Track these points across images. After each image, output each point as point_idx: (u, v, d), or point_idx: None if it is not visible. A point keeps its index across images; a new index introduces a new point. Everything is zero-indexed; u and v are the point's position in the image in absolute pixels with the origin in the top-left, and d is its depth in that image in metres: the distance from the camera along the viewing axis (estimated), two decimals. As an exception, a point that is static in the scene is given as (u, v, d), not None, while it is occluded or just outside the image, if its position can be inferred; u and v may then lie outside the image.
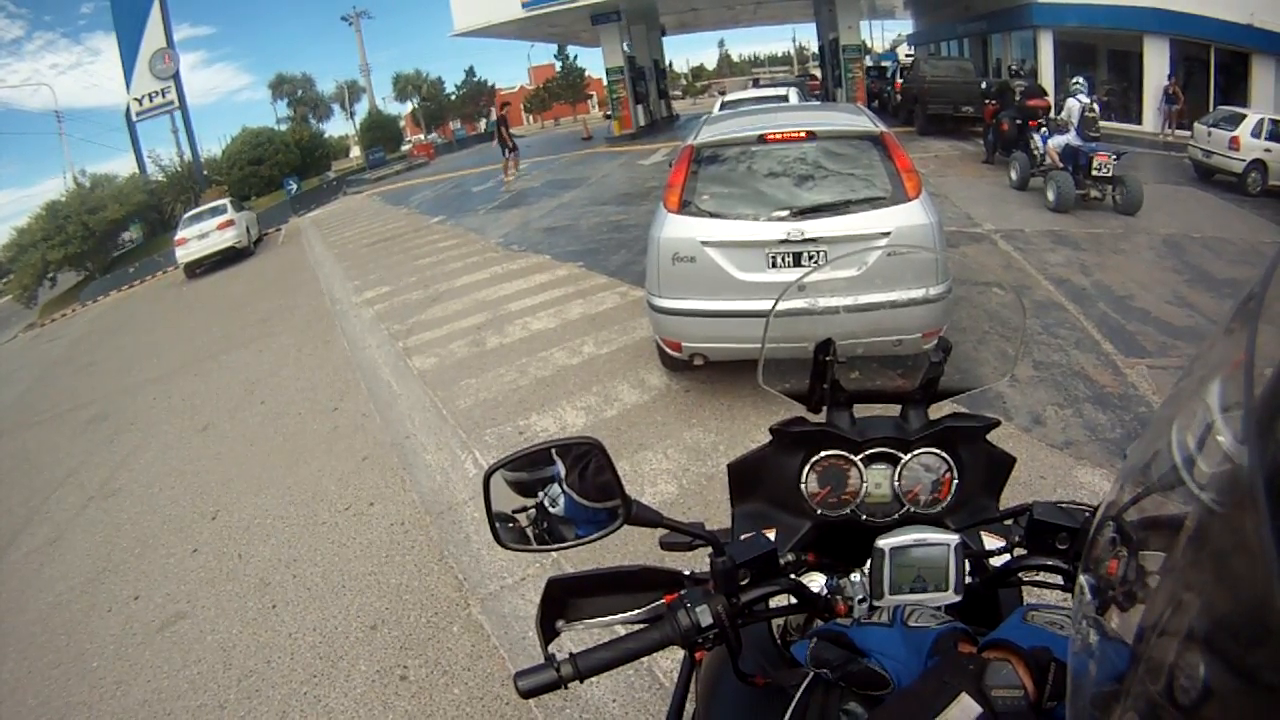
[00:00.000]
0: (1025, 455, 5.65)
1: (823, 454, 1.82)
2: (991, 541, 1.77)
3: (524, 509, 1.55)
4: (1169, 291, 9.68)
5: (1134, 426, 6.18)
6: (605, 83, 38.01)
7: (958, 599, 1.52)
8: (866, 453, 1.82)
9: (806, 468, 1.83)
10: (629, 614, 1.48)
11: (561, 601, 1.48)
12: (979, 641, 1.24)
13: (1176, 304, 9.23)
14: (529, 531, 1.54)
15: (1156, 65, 28.31)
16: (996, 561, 1.64)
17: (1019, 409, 6.29)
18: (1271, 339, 0.51)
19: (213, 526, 6.28)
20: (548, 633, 1.46)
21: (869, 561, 1.54)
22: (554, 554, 4.33)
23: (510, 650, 4.27)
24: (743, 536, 1.72)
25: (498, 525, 1.52)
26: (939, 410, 1.92)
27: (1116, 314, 8.62)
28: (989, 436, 1.88)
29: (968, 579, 1.56)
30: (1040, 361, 7.24)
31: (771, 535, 1.80)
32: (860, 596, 1.56)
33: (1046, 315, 8.52)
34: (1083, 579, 0.78)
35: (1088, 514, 1.53)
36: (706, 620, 1.37)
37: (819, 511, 1.83)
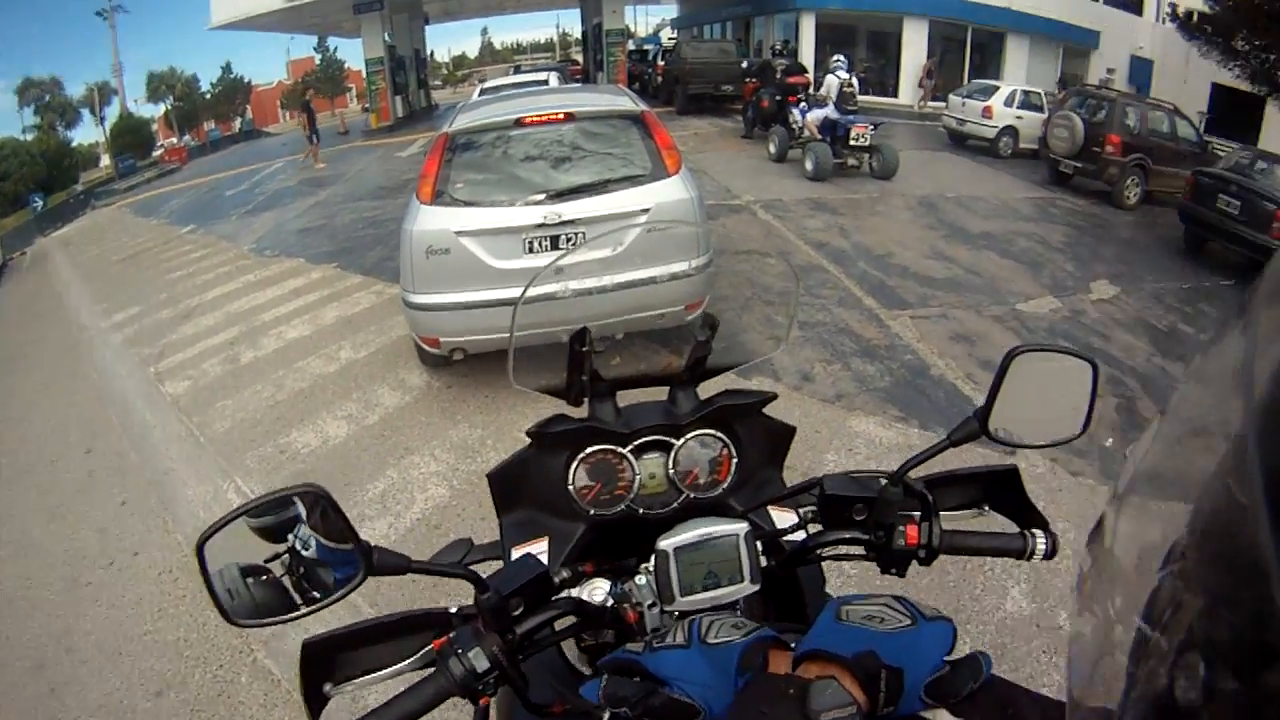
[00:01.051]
0: (798, 412, 5.78)
1: (588, 450, 1.72)
2: (783, 517, 1.71)
3: (276, 556, 1.39)
4: (926, 247, 10.14)
5: (901, 374, 6.41)
6: (364, 74, 37.23)
7: (755, 588, 1.46)
8: (636, 443, 1.73)
9: (573, 467, 1.71)
10: (400, 665, 1.32)
11: (324, 662, 1.30)
12: (791, 646, 1.12)
13: (934, 258, 9.68)
14: (286, 582, 1.35)
15: (915, 44, 30.35)
16: (794, 539, 1.57)
17: (787, 369, 6.40)
18: (1269, 341, 0.51)
19: None
20: (315, 702, 1.28)
21: (654, 564, 1.46)
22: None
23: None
24: (514, 549, 1.70)
25: (248, 581, 1.31)
26: (712, 389, 1.84)
27: (877, 271, 8.96)
28: (766, 410, 1.82)
29: (764, 563, 1.50)
30: (805, 322, 7.41)
31: (544, 545, 1.71)
32: (650, 601, 1.47)
33: (809, 277, 8.75)
34: (1083, 575, 0.75)
35: (882, 481, 1.48)
36: (483, 664, 1.23)
37: (592, 512, 1.72)
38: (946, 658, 1.07)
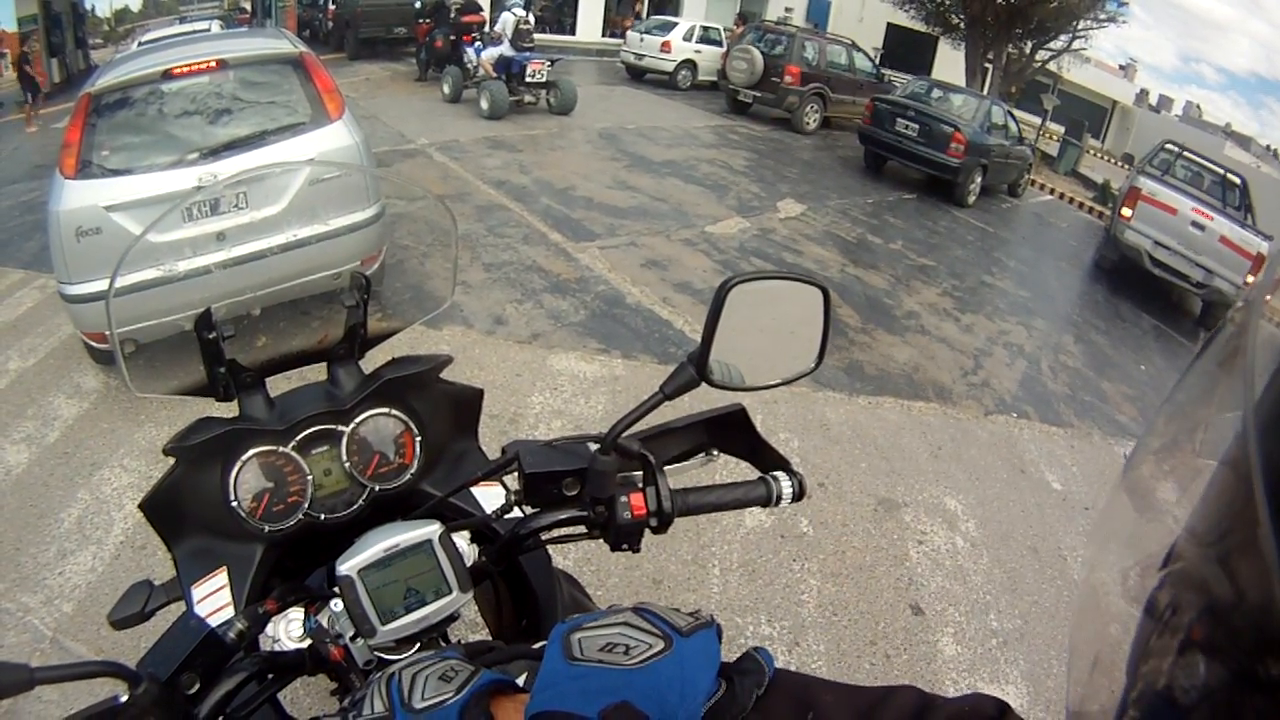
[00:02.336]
0: (495, 357, 5.73)
1: (245, 456, 1.47)
2: (489, 494, 1.59)
3: None
4: (610, 178, 10.27)
5: (597, 306, 6.43)
6: (18, 35, 34.16)
7: (467, 597, 1.27)
8: (298, 438, 1.51)
9: (231, 479, 1.45)
10: None
11: None
12: (521, 686, 0.93)
13: (618, 188, 9.81)
14: None
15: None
16: (509, 519, 1.40)
17: (477, 314, 6.35)
18: (1269, 340, 0.49)
19: None
20: None
21: (340, 592, 1.23)
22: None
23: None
24: (194, 591, 1.42)
25: None
26: (383, 358, 1.66)
27: (560, 205, 9.00)
28: (445, 374, 1.66)
29: (473, 557, 1.36)
30: (490, 263, 7.35)
31: (223, 577, 1.45)
32: (351, 633, 1.25)
33: (490, 217, 8.69)
34: (1083, 574, 0.67)
35: (590, 447, 1.31)
36: None
37: (266, 529, 1.47)
38: (722, 664, 0.88)
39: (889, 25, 26.63)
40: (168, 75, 5.60)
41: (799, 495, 1.33)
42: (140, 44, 15.60)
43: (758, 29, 18.71)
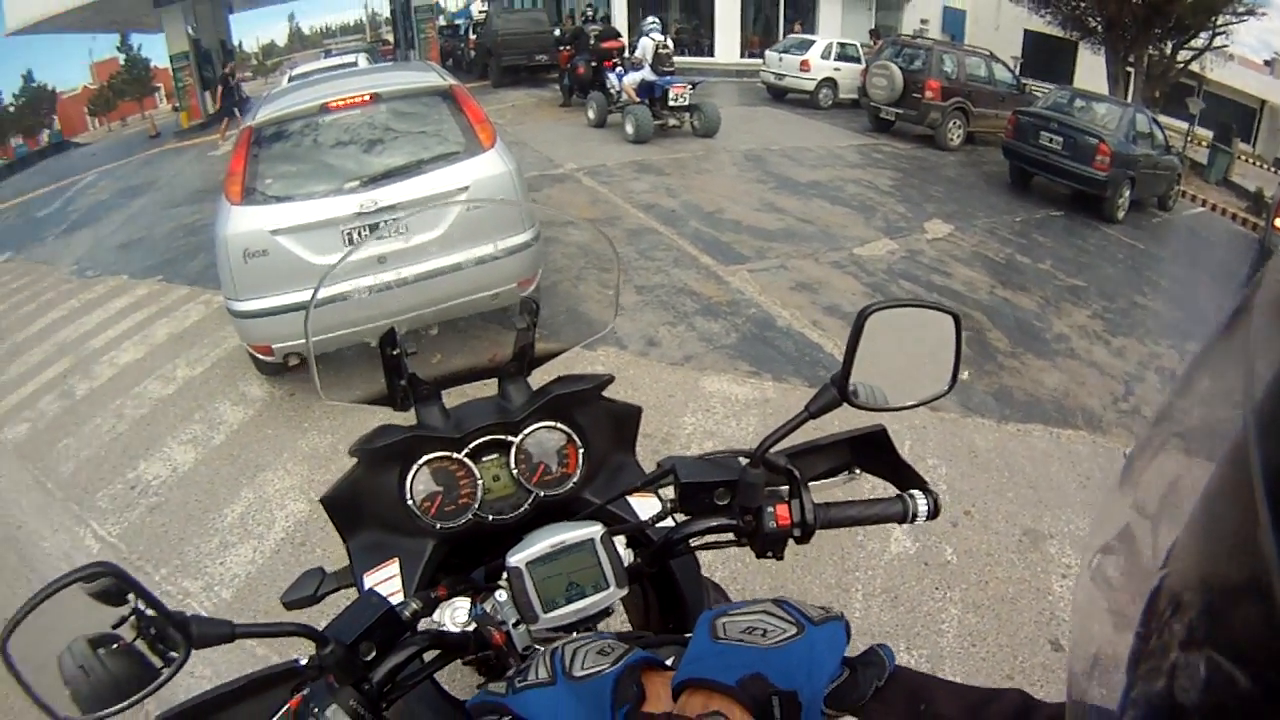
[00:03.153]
0: (648, 379, 5.77)
1: (422, 460, 1.60)
2: (645, 504, 1.67)
3: (123, 620, 1.17)
4: (756, 200, 10.25)
5: (747, 329, 6.43)
6: (171, 70, 35.91)
7: (623, 592, 1.39)
8: (471, 445, 1.63)
9: (409, 481, 1.60)
10: None
11: None
12: (668, 665, 1.05)
13: (765, 210, 9.79)
14: (140, 646, 1.14)
15: (727, 2, 30.59)
16: (661, 526, 1.50)
17: (631, 336, 6.39)
18: (1269, 339, 0.48)
19: None
20: None
21: (509, 581, 1.37)
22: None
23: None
24: (366, 575, 1.59)
25: (99, 653, 1.11)
26: (548, 375, 1.77)
27: (709, 228, 9.01)
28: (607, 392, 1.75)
29: (630, 559, 1.45)
30: (642, 286, 7.40)
31: (395, 568, 1.60)
32: (514, 620, 1.38)
33: (641, 240, 8.76)
34: (1082, 576, 0.72)
35: (742, 460, 1.42)
36: None
37: (438, 525, 1.61)
38: (846, 656, 1.00)
39: (1026, 32, 25.35)
40: (324, 109, 5.86)
41: (934, 513, 1.39)
42: (290, 78, 16.28)
43: (895, 44, 18.35)
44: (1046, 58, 24.80)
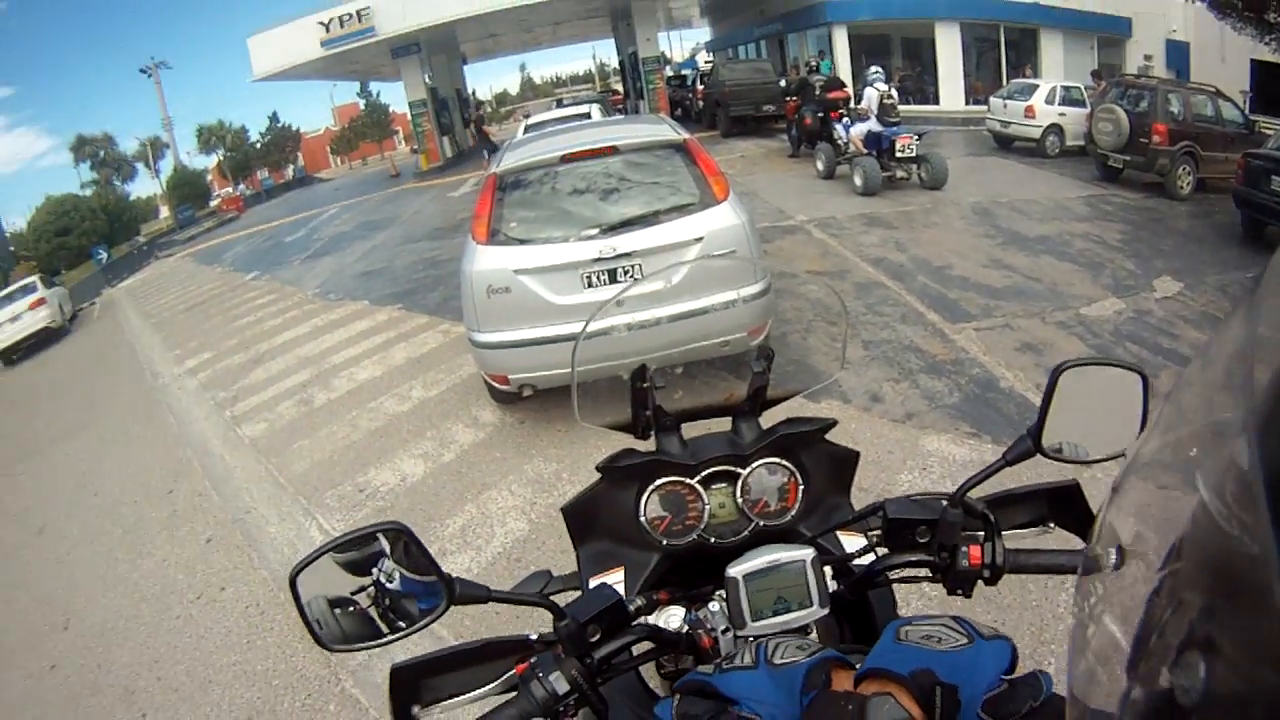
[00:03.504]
0: (869, 434, 5.74)
1: (658, 483, 1.74)
2: (851, 541, 1.73)
3: (362, 589, 1.39)
4: (984, 256, 10.04)
5: (970, 389, 6.32)
6: (409, 116, 37.70)
7: (824, 612, 1.48)
8: (703, 474, 1.75)
9: (644, 500, 1.74)
10: (484, 689, 1.40)
11: (412, 686, 1.38)
12: (854, 666, 1.14)
13: (993, 267, 9.57)
14: (372, 612, 1.38)
15: (949, 48, 30.15)
16: (861, 562, 1.60)
17: (855, 390, 6.36)
18: (1271, 338, 0.50)
19: (67, 638, 5.80)
20: None
21: (725, 591, 1.49)
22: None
23: (390, 720, 4.05)
24: (592, 580, 1.73)
25: (335, 613, 1.35)
26: (775, 417, 1.86)
27: (937, 284, 8.88)
28: (829, 435, 1.82)
29: (832, 586, 1.53)
30: (869, 341, 7.37)
31: (620, 575, 1.74)
32: (724, 627, 1.50)
33: (869, 295, 8.71)
34: (1083, 577, 0.77)
35: (943, 502, 1.49)
36: (563, 687, 1.28)
37: (665, 542, 1.74)
38: (1006, 677, 1.08)
39: (1254, 63, 23.48)
40: (565, 159, 6.13)
41: (1119, 566, 1.39)
42: (526, 127, 16.88)
43: (1119, 84, 17.28)
44: (1278, 89, 22.61)
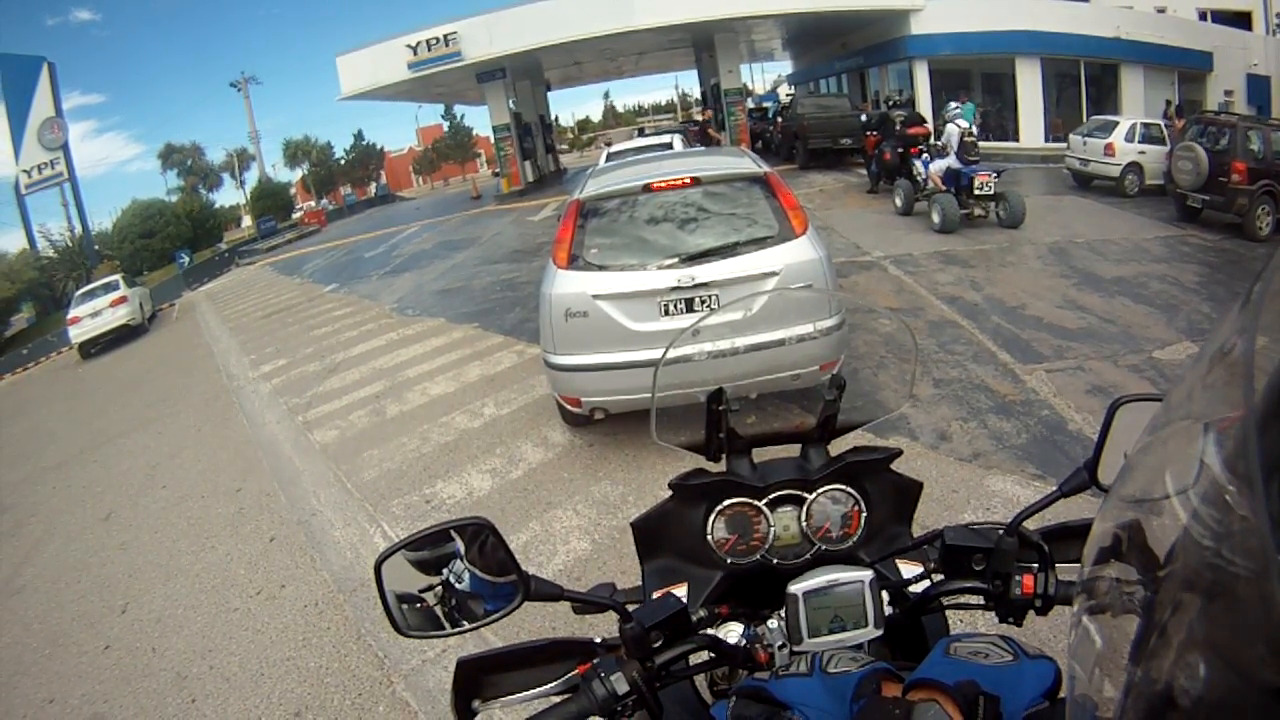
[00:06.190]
0: (935, 471, 5.72)
1: (726, 503, 1.78)
2: (908, 569, 1.78)
3: (430, 587, 1.48)
4: (1059, 297, 9.95)
5: (1039, 431, 6.31)
6: (492, 140, 38.09)
7: (879, 633, 1.52)
8: (770, 497, 1.79)
9: (711, 518, 1.78)
10: (544, 688, 1.46)
11: (475, 681, 1.45)
12: (903, 679, 1.20)
13: (1068, 308, 9.49)
14: (437, 610, 1.46)
15: (1030, 84, 29.81)
16: (916, 589, 1.66)
17: (924, 428, 6.36)
18: (1269, 339, 0.51)
19: (123, 620, 5.99)
20: (464, 716, 1.43)
21: (785, 607, 1.55)
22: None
23: (440, 726, 4.14)
24: (655, 594, 1.74)
25: (403, 608, 1.44)
26: (842, 445, 1.91)
27: (1010, 324, 8.83)
28: (893, 465, 1.87)
29: (888, 610, 1.58)
30: (940, 379, 7.36)
31: (683, 590, 1.79)
32: (780, 643, 1.57)
33: (942, 333, 8.71)
34: (1084, 576, 0.78)
35: (1000, 532, 1.54)
36: (623, 688, 1.36)
37: (729, 561, 1.79)
38: (1050, 698, 1.14)
39: None
40: (647, 189, 6.21)
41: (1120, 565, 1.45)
42: (608, 156, 16.92)
43: (1198, 121, 16.73)
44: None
